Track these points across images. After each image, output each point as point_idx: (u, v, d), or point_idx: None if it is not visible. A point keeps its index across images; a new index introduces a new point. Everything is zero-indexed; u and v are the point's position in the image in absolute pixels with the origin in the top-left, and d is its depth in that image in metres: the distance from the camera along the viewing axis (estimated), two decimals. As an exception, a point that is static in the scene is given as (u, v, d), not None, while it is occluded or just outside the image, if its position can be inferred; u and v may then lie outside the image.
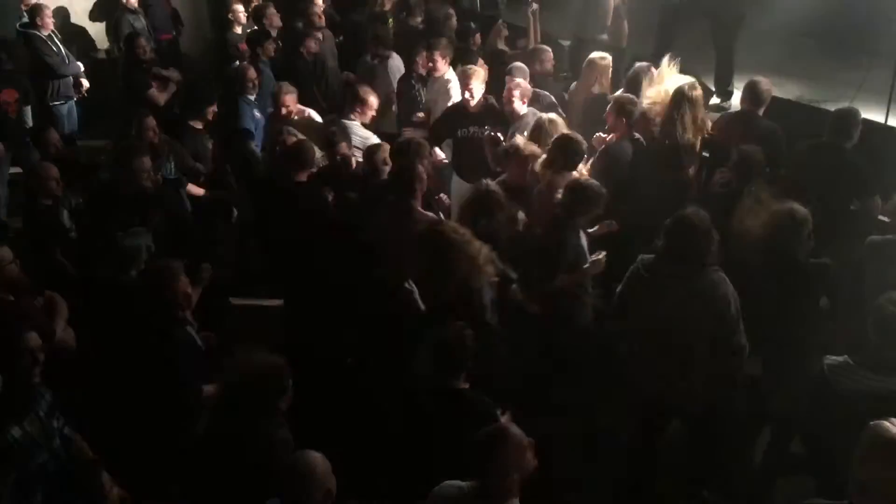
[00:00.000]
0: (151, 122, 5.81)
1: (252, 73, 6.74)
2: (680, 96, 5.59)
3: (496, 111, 6.20)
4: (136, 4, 8.69)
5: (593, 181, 4.89)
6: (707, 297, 3.92)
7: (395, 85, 7.37)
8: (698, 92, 5.67)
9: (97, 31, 9.18)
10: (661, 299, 4.01)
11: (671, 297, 3.97)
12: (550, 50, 7.23)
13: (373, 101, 6.18)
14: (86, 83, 8.06)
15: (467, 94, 6.21)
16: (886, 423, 2.99)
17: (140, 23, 8.61)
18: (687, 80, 5.76)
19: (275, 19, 8.07)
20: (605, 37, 8.94)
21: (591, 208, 4.71)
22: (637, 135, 5.80)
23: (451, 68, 6.87)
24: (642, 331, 4.19)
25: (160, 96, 7.25)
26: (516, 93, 6.05)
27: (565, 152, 5.17)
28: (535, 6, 7.84)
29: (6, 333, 3.57)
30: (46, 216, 5.15)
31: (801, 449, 4.28)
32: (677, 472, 4.55)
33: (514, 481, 3.05)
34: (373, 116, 6.24)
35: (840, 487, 3.09)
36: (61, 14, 8.44)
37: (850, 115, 5.28)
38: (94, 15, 9.17)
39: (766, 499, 4.37)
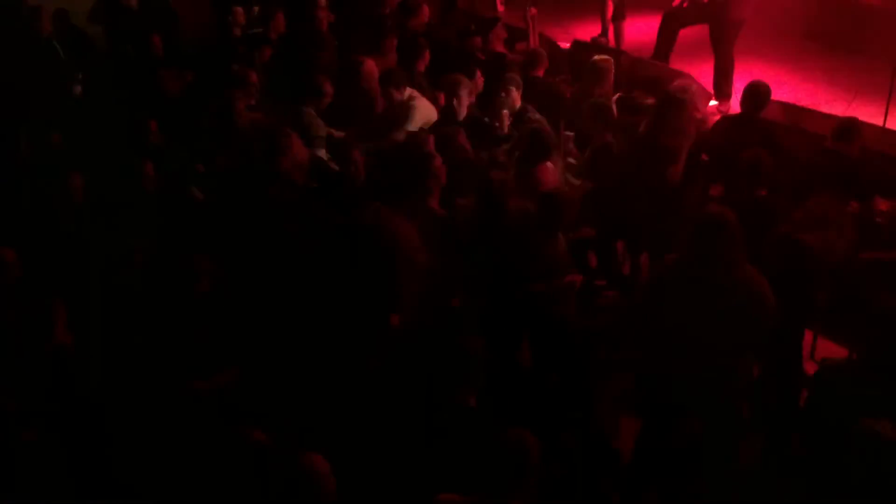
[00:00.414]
0: (153, 124, 5.81)
1: (253, 77, 6.73)
2: (667, 100, 5.62)
3: (482, 124, 6.18)
4: (136, 6, 8.68)
5: (562, 190, 4.99)
6: (743, 295, 3.89)
7: (371, 91, 7.19)
8: (686, 96, 5.69)
9: (95, 32, 9.17)
10: (693, 301, 3.94)
11: (703, 298, 3.91)
12: (545, 54, 7.21)
13: (328, 89, 6.17)
14: (77, 88, 8.06)
15: (455, 102, 6.16)
16: (876, 422, 3.01)
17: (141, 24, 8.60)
18: None
19: (281, 25, 8.05)
20: (604, 39, 8.99)
21: (564, 218, 4.78)
22: (610, 138, 5.83)
23: (407, 89, 6.56)
24: (670, 334, 4.08)
25: (175, 84, 7.26)
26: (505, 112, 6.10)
27: (534, 145, 5.32)
28: (533, 10, 7.83)
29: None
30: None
31: (800, 449, 4.27)
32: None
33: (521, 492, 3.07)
34: (327, 103, 6.21)
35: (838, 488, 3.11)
36: (60, 16, 8.43)
37: (853, 126, 5.31)
38: (93, 17, 9.16)
39: (766, 499, 4.38)
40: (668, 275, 4.11)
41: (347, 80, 6.94)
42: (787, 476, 4.47)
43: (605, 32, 9.07)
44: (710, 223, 3.92)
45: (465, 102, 6.21)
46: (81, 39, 8.49)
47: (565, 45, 8.62)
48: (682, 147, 5.65)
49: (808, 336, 4.91)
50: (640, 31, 8.93)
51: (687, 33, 8.05)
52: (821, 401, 3.80)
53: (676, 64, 7.97)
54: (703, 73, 7.71)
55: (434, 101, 6.60)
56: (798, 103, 7.30)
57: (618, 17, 8.75)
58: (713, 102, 7.75)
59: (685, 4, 7.95)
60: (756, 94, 5.74)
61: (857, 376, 3.64)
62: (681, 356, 4.00)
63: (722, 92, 7.74)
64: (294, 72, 7.24)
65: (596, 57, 6.76)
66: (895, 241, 4.54)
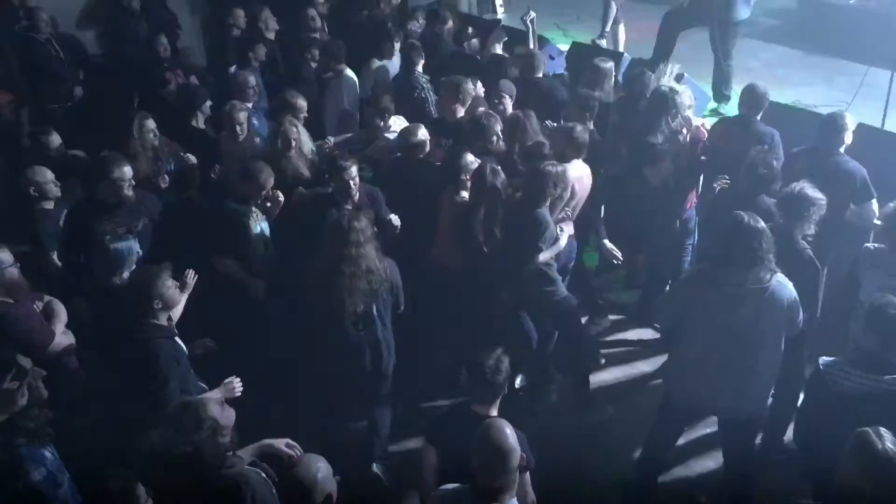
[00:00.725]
0: (151, 123, 5.76)
1: (252, 79, 6.70)
2: (662, 100, 5.63)
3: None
4: (137, 8, 8.67)
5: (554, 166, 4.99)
6: (776, 300, 3.88)
7: (346, 101, 7.00)
8: (681, 97, 5.70)
9: (94, 35, 9.18)
10: (728, 307, 3.90)
11: (738, 303, 3.88)
12: (541, 56, 7.20)
13: (301, 104, 6.10)
14: (79, 90, 8.06)
15: (458, 105, 6.07)
16: (873, 434, 3.00)
17: (142, 27, 8.60)
18: None
19: (270, 23, 8.03)
20: (603, 42, 9.01)
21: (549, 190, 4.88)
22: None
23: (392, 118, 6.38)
24: (700, 338, 4.06)
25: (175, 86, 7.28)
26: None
27: (570, 144, 5.34)
28: (532, 14, 7.83)
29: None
30: (44, 219, 5.16)
31: (795, 448, 4.28)
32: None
33: (507, 480, 3.08)
34: (304, 118, 6.10)
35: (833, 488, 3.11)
36: (60, 17, 8.44)
37: (838, 119, 5.28)
38: (93, 19, 9.16)
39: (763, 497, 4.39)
40: (701, 280, 4.05)
41: (330, 89, 6.96)
42: (781, 474, 4.51)
43: (604, 34, 9.10)
44: (740, 227, 3.85)
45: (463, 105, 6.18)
46: (73, 43, 8.48)
47: (564, 47, 8.63)
48: (674, 148, 5.66)
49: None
50: (641, 32, 8.95)
51: (687, 34, 8.07)
52: (819, 401, 3.81)
53: (676, 65, 7.99)
54: (703, 75, 7.73)
55: (433, 102, 6.64)
56: (797, 104, 7.32)
57: (617, 20, 8.77)
58: (712, 104, 7.77)
59: (685, 5, 7.98)
60: (754, 95, 5.73)
61: (853, 376, 3.65)
62: (720, 358, 3.98)
63: (721, 94, 7.75)
64: (279, 80, 7.28)
65: (596, 59, 6.75)
66: (891, 244, 4.52)
